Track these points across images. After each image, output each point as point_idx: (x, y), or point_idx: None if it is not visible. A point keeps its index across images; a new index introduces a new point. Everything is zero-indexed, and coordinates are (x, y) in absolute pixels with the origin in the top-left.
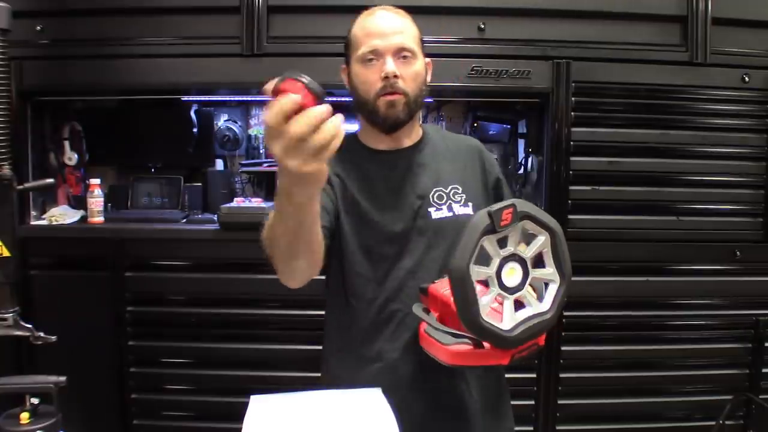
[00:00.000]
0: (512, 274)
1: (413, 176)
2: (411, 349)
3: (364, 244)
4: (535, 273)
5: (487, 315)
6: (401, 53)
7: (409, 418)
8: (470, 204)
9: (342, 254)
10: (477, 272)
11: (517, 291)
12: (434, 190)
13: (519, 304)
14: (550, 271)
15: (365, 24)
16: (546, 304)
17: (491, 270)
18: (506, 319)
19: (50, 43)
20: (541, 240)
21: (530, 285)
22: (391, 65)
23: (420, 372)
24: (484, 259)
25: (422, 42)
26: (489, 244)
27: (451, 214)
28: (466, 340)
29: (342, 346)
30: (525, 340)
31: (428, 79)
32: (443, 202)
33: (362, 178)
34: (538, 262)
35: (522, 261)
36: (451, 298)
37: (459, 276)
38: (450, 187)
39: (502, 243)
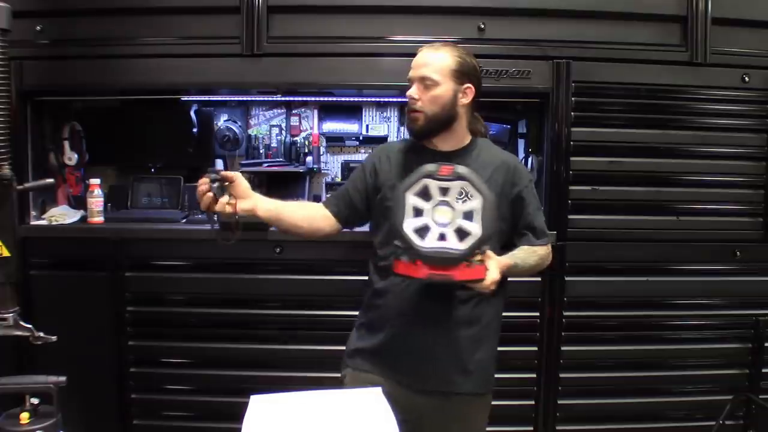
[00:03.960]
0: (442, 214)
1: None
2: (401, 301)
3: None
4: (463, 223)
5: (412, 232)
6: (424, 81)
7: (391, 350)
8: None
9: (380, 224)
10: (414, 200)
11: (443, 227)
12: None
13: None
14: (475, 225)
15: (414, 59)
16: (463, 246)
17: (428, 205)
18: (428, 240)
19: (50, 43)
20: (477, 201)
21: (456, 231)
22: (412, 90)
23: (402, 318)
24: (427, 197)
25: (457, 72)
26: (433, 187)
27: None
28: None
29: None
30: (431, 259)
31: (463, 101)
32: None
33: (404, 161)
34: (469, 216)
35: (453, 209)
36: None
37: (397, 194)
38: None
39: (444, 192)
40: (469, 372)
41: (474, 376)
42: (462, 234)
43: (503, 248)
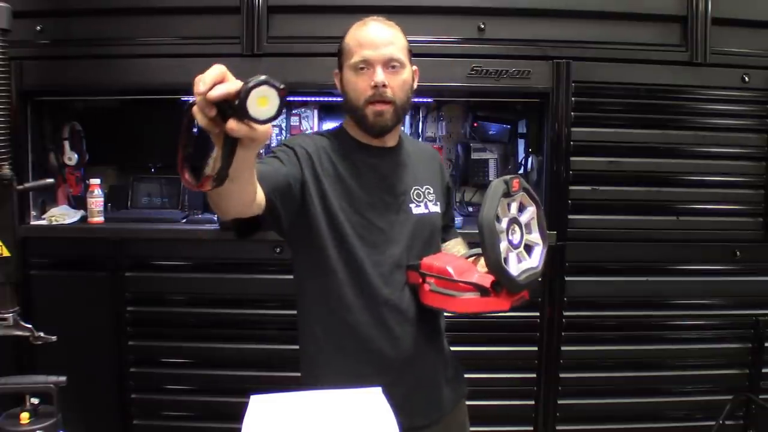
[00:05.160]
0: (515, 234)
1: (397, 173)
2: (398, 334)
3: (358, 231)
4: (527, 237)
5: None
6: (390, 63)
7: (397, 394)
8: (438, 203)
9: (338, 236)
10: (497, 227)
11: (517, 248)
12: (413, 188)
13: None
14: (536, 235)
15: (358, 34)
16: (534, 260)
17: (503, 226)
18: (512, 267)
19: (50, 43)
20: (531, 210)
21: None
22: (380, 75)
23: (404, 354)
24: (498, 219)
25: (410, 51)
26: (500, 206)
27: (426, 211)
28: (471, 293)
29: (326, 335)
30: (525, 286)
31: (414, 86)
32: (421, 199)
33: (352, 165)
34: (528, 227)
35: (520, 224)
36: (447, 267)
37: (488, 226)
38: (425, 187)
39: (509, 207)
40: (460, 375)
41: (462, 374)
42: (527, 248)
43: None
